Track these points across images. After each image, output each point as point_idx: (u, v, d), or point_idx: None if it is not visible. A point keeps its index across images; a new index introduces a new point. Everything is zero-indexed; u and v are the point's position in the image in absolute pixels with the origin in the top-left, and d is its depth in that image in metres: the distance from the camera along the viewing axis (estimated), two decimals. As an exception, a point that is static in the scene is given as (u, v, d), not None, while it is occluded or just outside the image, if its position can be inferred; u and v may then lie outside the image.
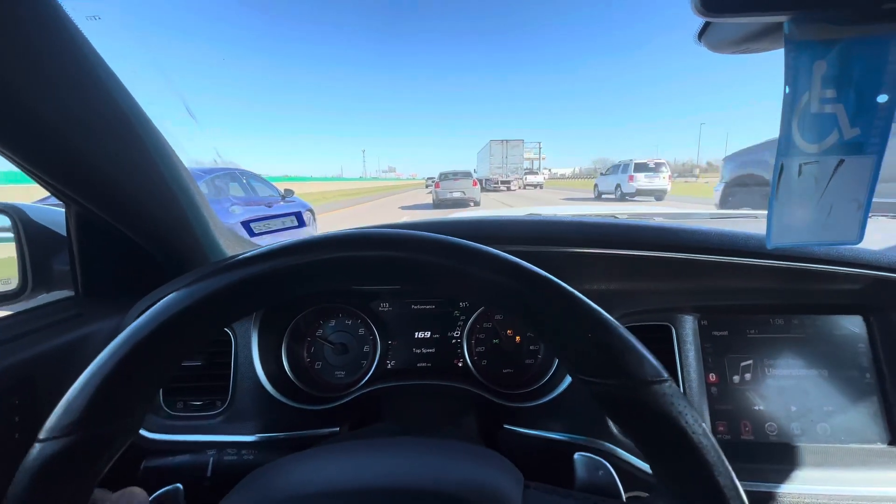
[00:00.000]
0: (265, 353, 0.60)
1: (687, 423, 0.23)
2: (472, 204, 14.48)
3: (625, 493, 0.37)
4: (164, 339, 0.25)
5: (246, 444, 0.57)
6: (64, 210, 0.64)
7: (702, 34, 0.45)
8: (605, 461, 0.39)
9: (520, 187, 31.57)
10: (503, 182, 29.33)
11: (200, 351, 0.60)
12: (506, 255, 0.27)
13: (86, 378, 0.24)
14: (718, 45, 0.48)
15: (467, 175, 15.38)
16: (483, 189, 28.16)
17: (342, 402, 0.59)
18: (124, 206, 0.57)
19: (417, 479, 0.30)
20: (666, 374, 0.24)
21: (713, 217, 1.19)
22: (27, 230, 0.65)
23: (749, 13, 0.40)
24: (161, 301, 0.26)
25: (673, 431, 0.23)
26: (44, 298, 0.66)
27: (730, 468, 0.23)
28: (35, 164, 0.50)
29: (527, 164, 35.61)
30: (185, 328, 0.26)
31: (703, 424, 0.24)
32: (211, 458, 0.47)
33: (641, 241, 0.57)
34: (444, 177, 15.55)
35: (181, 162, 0.65)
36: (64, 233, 0.66)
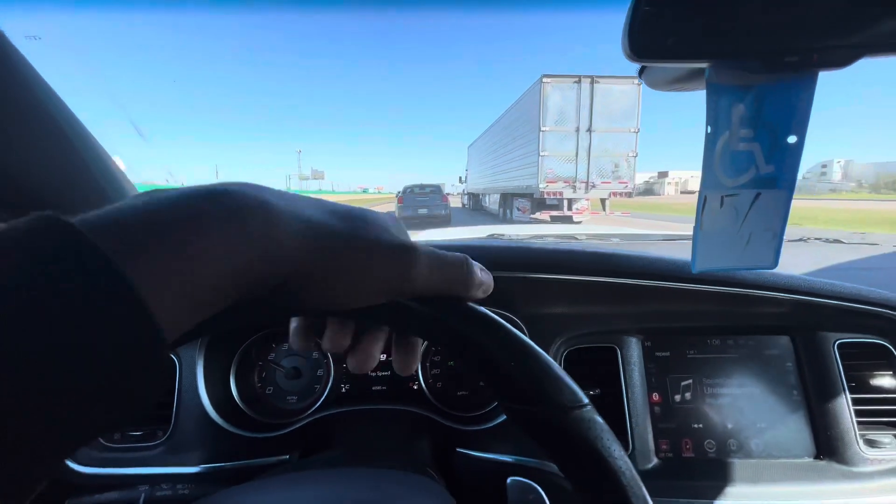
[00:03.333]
0: (211, 378, 0.59)
1: (603, 446, 0.24)
2: (440, 222, 12.21)
3: None
4: None
5: (188, 477, 0.55)
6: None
7: (641, 73, 0.49)
8: (536, 485, 0.40)
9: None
10: (571, 201, 11.09)
11: None
12: None
13: None
14: (655, 84, 0.52)
15: (436, 189, 13.22)
16: (506, 215, 13.00)
17: (293, 428, 0.58)
18: None
19: None
20: (586, 400, 0.26)
21: (665, 239, 1.25)
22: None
23: (671, 60, 0.44)
24: None
25: (591, 454, 0.24)
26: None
27: (644, 489, 0.24)
28: None
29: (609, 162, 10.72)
30: None
31: (619, 448, 0.25)
32: (143, 495, 0.45)
33: (588, 266, 0.60)
34: (409, 191, 13.16)
35: (126, 177, 0.64)
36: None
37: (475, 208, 20.73)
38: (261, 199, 0.19)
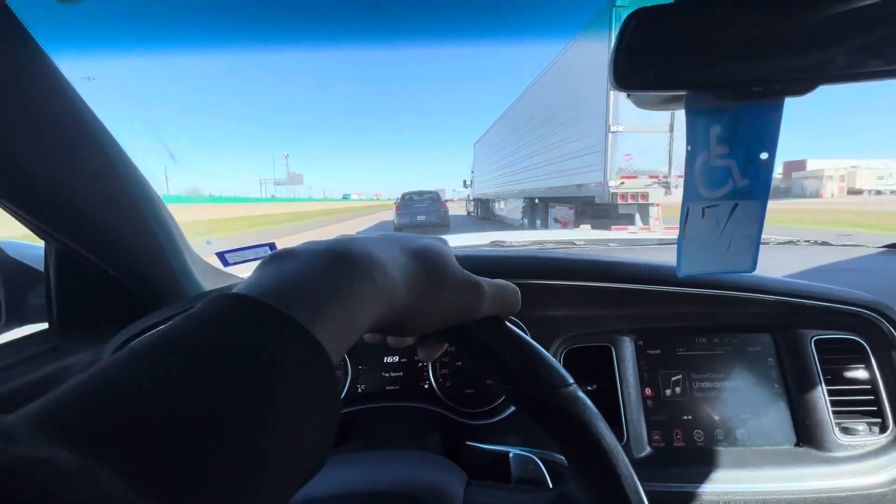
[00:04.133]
0: None
1: (587, 418, 0.29)
2: (440, 230, 12.20)
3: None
4: None
5: None
6: (38, 244, 0.67)
7: (629, 94, 0.55)
8: (535, 457, 0.45)
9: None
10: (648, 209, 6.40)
11: None
12: None
13: None
14: (642, 104, 0.58)
15: (435, 196, 13.42)
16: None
17: None
18: (106, 245, 0.61)
19: (373, 483, 0.35)
20: (570, 380, 0.31)
21: (661, 243, 1.30)
22: (3, 266, 0.67)
23: (651, 90, 0.49)
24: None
25: (576, 425, 0.29)
26: (16, 333, 0.67)
27: (621, 451, 0.29)
28: (24, 209, 0.53)
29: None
30: None
31: (601, 420, 0.30)
32: None
33: (585, 273, 0.65)
34: (407, 198, 13.37)
35: (160, 198, 0.69)
36: (38, 266, 0.69)
37: (485, 217, 17.77)
38: (375, 257, 0.23)
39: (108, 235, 0.60)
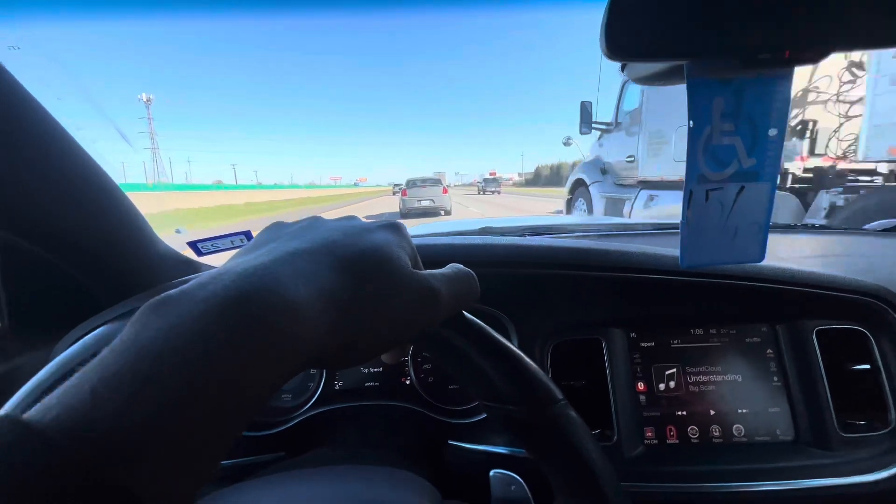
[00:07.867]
0: None
1: (577, 440, 0.25)
2: (442, 213, 14.18)
3: None
4: None
5: None
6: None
7: (623, 67, 0.49)
8: (517, 477, 0.41)
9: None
10: None
11: None
12: None
13: None
14: (638, 78, 0.52)
15: (436, 182, 14.85)
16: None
17: (287, 426, 0.59)
18: (53, 237, 0.55)
19: None
20: (560, 396, 0.26)
21: (657, 229, 1.25)
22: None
23: (647, 59, 0.44)
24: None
25: (564, 447, 0.25)
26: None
27: (613, 474, 0.25)
28: None
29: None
30: None
31: (592, 441, 0.26)
32: None
33: (575, 262, 0.60)
34: (412, 184, 14.80)
35: (116, 185, 0.63)
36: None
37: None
38: (280, 296, 0.17)
39: (53, 226, 0.54)
